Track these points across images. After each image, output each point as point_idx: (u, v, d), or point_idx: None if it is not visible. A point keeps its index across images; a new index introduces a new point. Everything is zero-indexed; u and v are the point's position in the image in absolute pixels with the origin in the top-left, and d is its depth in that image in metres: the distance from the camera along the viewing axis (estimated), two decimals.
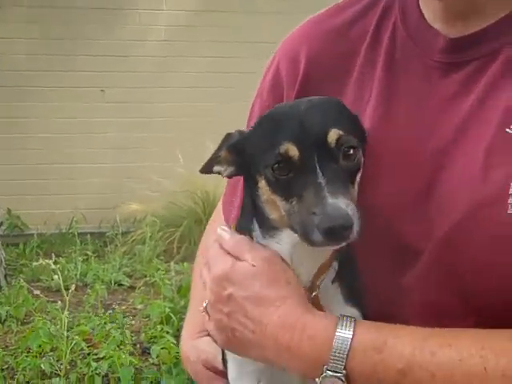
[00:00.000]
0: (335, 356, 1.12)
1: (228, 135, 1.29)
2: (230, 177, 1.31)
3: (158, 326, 4.12)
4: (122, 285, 6.23)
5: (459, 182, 1.18)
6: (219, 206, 1.71)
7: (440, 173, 1.21)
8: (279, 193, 1.17)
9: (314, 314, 1.19)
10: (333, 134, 1.15)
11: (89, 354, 4.29)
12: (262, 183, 1.19)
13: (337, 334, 1.13)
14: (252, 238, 1.29)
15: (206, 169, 1.31)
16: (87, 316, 4.83)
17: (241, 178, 1.38)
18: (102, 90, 8.19)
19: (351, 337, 1.12)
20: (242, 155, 1.26)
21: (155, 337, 4.20)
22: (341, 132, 1.15)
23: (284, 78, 1.45)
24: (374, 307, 1.27)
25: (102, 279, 6.21)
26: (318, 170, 1.12)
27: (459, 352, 1.09)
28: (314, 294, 1.24)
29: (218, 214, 1.68)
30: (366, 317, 1.29)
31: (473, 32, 1.25)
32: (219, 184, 6.95)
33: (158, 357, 3.98)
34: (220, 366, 1.42)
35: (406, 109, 1.29)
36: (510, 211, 1.11)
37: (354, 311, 1.30)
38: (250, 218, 1.29)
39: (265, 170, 1.17)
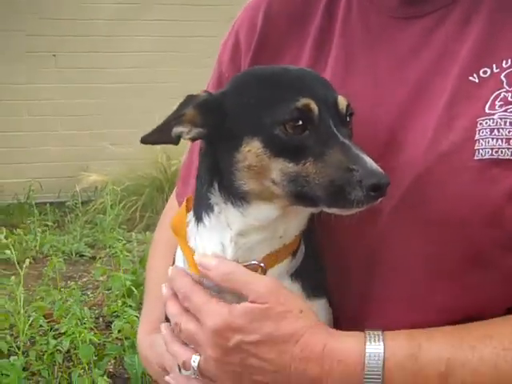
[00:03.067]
0: (370, 375, 1.06)
1: (191, 96, 1.17)
2: (194, 139, 1.19)
3: (120, 301, 4.00)
4: (83, 255, 6.11)
5: (420, 133, 1.16)
6: (173, 197, 1.63)
7: (401, 127, 1.19)
8: (286, 154, 1.08)
9: (338, 336, 1.13)
10: (342, 101, 1.13)
11: (50, 330, 4.16)
12: (254, 146, 1.09)
13: (367, 350, 1.08)
14: (211, 207, 1.19)
15: (161, 133, 1.17)
16: (47, 290, 4.67)
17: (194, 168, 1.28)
18: (53, 55, 7.89)
19: (383, 350, 1.07)
20: (217, 115, 1.14)
21: (117, 311, 4.08)
22: (347, 100, 1.13)
23: (242, 44, 1.42)
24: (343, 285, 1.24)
25: (63, 250, 6.06)
26: (336, 131, 1.07)
27: (501, 341, 1.06)
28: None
29: (172, 206, 1.60)
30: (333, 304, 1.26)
31: None
32: (182, 151, 6.80)
33: (120, 331, 3.86)
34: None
35: (365, 68, 1.27)
36: (476, 157, 1.11)
37: (319, 302, 1.23)
38: (209, 184, 1.19)
39: (270, 129, 1.08)
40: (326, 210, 1.09)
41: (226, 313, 1.13)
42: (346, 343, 1.10)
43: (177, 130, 1.16)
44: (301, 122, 1.07)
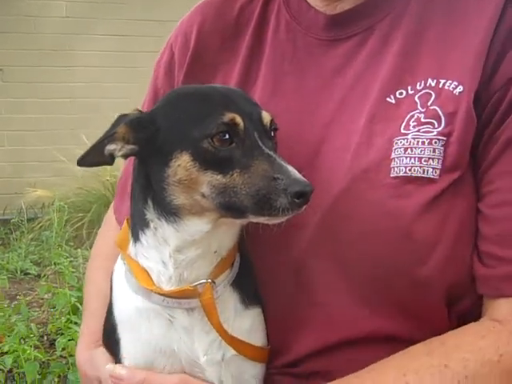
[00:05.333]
0: None
1: (122, 115, 1.20)
2: (126, 156, 1.22)
3: (64, 318, 3.95)
4: (28, 273, 5.98)
5: (341, 151, 1.21)
6: (110, 212, 1.65)
7: (324, 145, 1.24)
8: (214, 166, 1.11)
9: None
10: (267, 116, 1.18)
11: None
12: (184, 159, 1.12)
13: None
14: (146, 223, 1.21)
15: (94, 152, 1.19)
16: None
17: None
18: (0, 69, 7.75)
19: None
20: (148, 132, 1.17)
21: (62, 328, 4.03)
22: (271, 115, 1.18)
23: (176, 59, 1.46)
24: (270, 297, 1.27)
25: (7, 268, 5.93)
26: (261, 144, 1.11)
27: None
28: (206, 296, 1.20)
29: (109, 221, 1.63)
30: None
31: (348, 9, 1.30)
32: None
33: (64, 349, 3.81)
34: None
35: (292, 87, 1.31)
36: (392, 175, 1.16)
37: (256, 310, 1.27)
38: (144, 201, 1.21)
39: (198, 143, 1.11)
40: (254, 219, 1.13)
41: None
42: None
43: (109, 147, 1.19)
44: (227, 136, 1.12)
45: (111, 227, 1.59)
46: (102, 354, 1.41)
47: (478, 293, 1.20)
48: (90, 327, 1.53)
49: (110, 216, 1.65)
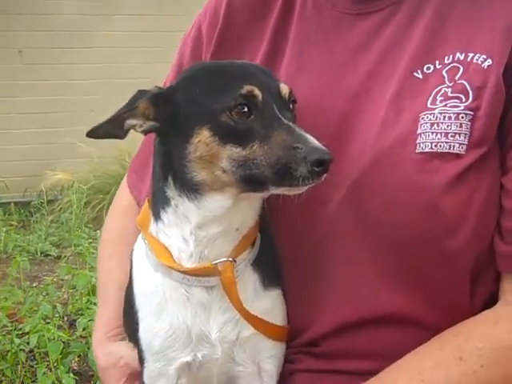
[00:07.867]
0: None
1: (142, 91, 1.20)
2: (146, 132, 1.22)
3: (85, 298, 3.98)
4: (48, 255, 6.05)
5: (368, 126, 1.20)
6: (124, 186, 1.62)
7: (350, 119, 1.22)
8: (233, 140, 1.11)
9: None
10: (284, 87, 1.19)
11: (14, 330, 4.11)
12: (204, 135, 1.12)
13: None
14: (167, 201, 1.21)
15: (111, 125, 1.17)
16: (11, 289, 4.62)
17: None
18: (19, 51, 7.78)
19: None
20: (169, 108, 1.18)
21: (82, 309, 4.06)
22: (289, 88, 1.18)
23: (204, 36, 1.45)
24: (291, 272, 1.26)
25: (28, 250, 6.00)
26: (280, 115, 1.11)
27: None
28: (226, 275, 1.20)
29: (119, 201, 1.62)
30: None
31: None
32: None
33: (84, 329, 3.84)
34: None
35: (318, 62, 1.31)
36: (417, 150, 1.14)
37: (276, 292, 1.27)
38: (164, 179, 1.21)
39: (217, 117, 1.12)
40: (275, 191, 1.13)
41: None
42: None
43: (130, 122, 1.18)
44: (246, 108, 1.12)
45: (120, 208, 1.60)
46: (124, 344, 1.41)
47: (498, 270, 1.20)
48: (102, 318, 1.53)
49: (120, 197, 1.64)
